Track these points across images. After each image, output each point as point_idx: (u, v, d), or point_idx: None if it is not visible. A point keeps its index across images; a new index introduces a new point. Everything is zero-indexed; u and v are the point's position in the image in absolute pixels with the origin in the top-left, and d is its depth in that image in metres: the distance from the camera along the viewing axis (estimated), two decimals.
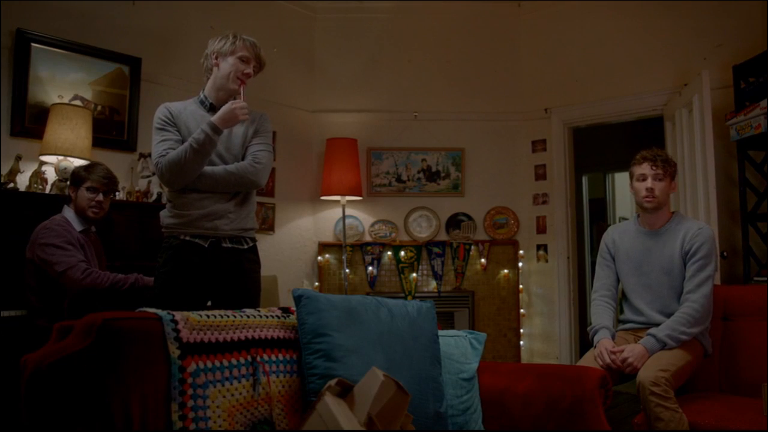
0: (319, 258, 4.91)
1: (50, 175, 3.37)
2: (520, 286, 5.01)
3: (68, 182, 2.97)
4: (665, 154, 2.79)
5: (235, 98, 2.46)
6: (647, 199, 2.74)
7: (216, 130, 2.34)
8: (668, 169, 2.74)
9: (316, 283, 4.90)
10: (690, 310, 2.60)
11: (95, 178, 2.90)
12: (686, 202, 3.95)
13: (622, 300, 2.96)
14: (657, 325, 2.65)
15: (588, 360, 2.70)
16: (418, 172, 5.14)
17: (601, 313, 2.83)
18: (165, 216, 2.42)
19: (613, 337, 2.73)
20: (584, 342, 4.74)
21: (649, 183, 2.73)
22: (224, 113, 2.36)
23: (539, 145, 5.12)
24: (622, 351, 2.55)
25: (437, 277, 4.95)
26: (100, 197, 2.93)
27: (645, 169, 2.74)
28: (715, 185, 3.56)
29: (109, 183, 2.97)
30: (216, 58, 2.44)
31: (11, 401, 2.19)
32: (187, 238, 2.37)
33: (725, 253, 3.60)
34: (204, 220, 2.38)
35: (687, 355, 2.56)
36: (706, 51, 4.22)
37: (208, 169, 2.37)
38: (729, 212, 3.93)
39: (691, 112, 3.86)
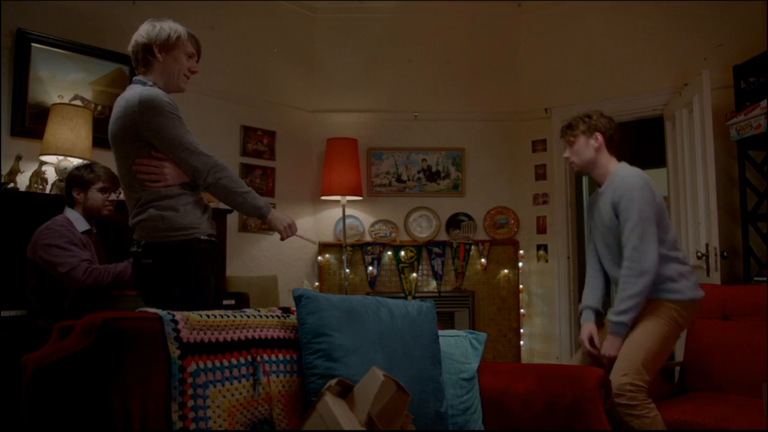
0: (320, 258, 4.91)
1: (50, 175, 3.37)
2: (521, 286, 5.01)
3: (68, 185, 2.96)
4: (573, 118, 2.76)
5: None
6: (571, 166, 2.86)
7: (262, 216, 2.29)
8: (575, 131, 2.71)
9: (316, 283, 4.90)
10: (625, 270, 2.48)
11: (105, 178, 2.96)
12: (686, 202, 3.95)
13: None
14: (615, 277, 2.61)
15: (577, 359, 2.70)
16: (419, 172, 5.14)
17: (587, 291, 2.79)
18: (178, 216, 2.15)
19: (598, 315, 2.69)
20: None
21: (565, 153, 2.78)
22: (282, 223, 2.33)
23: (539, 145, 5.12)
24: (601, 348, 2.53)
25: (437, 277, 4.95)
26: (114, 196, 2.99)
27: (564, 143, 2.80)
28: (715, 185, 3.56)
29: (116, 180, 3.01)
30: (159, 51, 2.24)
31: (12, 401, 2.19)
32: (205, 237, 2.23)
33: (725, 253, 3.60)
34: (209, 217, 2.30)
35: (654, 328, 2.46)
36: (707, 51, 4.22)
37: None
38: (729, 212, 3.93)
39: (692, 112, 3.86)
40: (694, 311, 2.59)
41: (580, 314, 2.72)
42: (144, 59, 2.25)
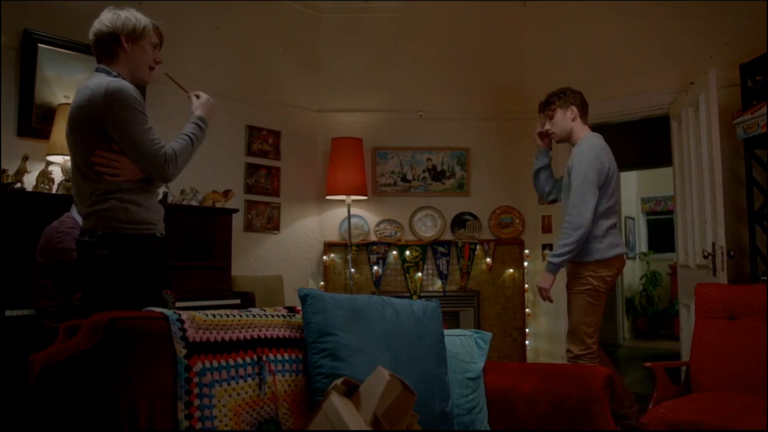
0: (325, 257, 4.91)
1: (57, 175, 3.39)
2: (526, 286, 5.00)
3: None
4: (549, 95, 3.28)
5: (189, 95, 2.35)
6: (552, 137, 3.36)
7: (206, 125, 2.29)
8: (553, 106, 3.24)
9: (322, 283, 4.90)
10: (565, 223, 3.05)
11: None
12: (693, 201, 3.94)
13: None
14: None
15: None
16: (423, 172, 5.14)
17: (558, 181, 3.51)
18: (141, 210, 2.12)
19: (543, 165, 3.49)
20: None
21: (546, 125, 3.31)
22: (210, 109, 2.31)
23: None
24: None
25: (442, 276, 4.94)
26: None
27: (543, 118, 3.32)
28: (721, 184, 3.54)
29: None
30: (126, 41, 2.17)
31: (19, 400, 2.20)
32: (159, 235, 2.20)
33: (732, 253, 3.59)
34: (162, 217, 2.26)
35: (576, 303, 3.07)
36: (712, 49, 4.20)
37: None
38: (736, 211, 3.91)
39: (698, 110, 3.84)
40: (609, 267, 3.07)
41: None
42: (109, 49, 2.17)
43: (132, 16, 2.19)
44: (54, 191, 3.32)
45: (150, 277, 2.16)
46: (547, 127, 3.30)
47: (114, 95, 2.03)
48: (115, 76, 2.13)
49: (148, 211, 2.15)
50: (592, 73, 4.83)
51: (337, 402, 1.57)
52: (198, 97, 2.36)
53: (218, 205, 4.07)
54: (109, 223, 2.08)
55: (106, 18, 2.17)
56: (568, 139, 3.29)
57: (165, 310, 1.64)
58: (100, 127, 2.07)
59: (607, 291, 3.10)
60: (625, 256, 3.20)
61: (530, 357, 4.98)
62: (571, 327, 3.12)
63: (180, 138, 2.20)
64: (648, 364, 2.91)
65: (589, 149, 3.08)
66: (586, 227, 2.98)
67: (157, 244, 2.18)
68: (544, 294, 3.15)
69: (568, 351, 3.09)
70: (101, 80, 2.08)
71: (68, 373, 1.40)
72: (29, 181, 3.29)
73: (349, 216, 4.77)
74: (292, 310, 1.98)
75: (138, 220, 2.11)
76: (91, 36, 2.18)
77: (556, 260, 3.05)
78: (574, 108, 3.22)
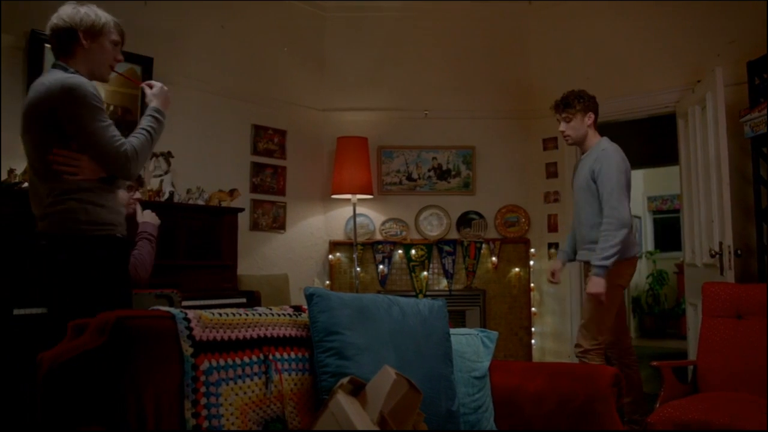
0: (330, 257, 4.92)
1: None
2: (532, 285, 5.00)
3: None
4: (568, 96, 3.26)
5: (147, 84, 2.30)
6: (565, 139, 3.37)
7: (164, 116, 2.24)
8: (573, 109, 3.23)
9: (327, 282, 4.91)
10: (606, 225, 3.02)
11: None
12: (700, 200, 3.92)
13: None
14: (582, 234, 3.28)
15: None
16: (429, 171, 5.13)
17: (568, 238, 3.59)
18: (104, 210, 2.08)
19: (570, 258, 3.53)
20: None
21: (561, 127, 3.31)
22: (166, 99, 2.25)
23: (550, 143, 5.10)
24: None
25: (448, 275, 4.94)
26: (138, 194, 3.00)
27: (558, 117, 3.31)
28: (728, 183, 3.52)
29: (141, 179, 3.06)
30: (85, 38, 2.09)
31: (27, 399, 2.21)
32: (120, 236, 2.15)
33: (739, 251, 3.57)
34: (125, 218, 2.23)
35: (594, 301, 3.03)
36: (719, 47, 4.18)
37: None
38: (743, 209, 3.89)
39: (705, 109, 3.82)
40: (628, 265, 3.18)
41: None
42: (67, 45, 2.10)
43: (92, 12, 2.12)
44: None
45: (115, 279, 2.11)
46: (562, 128, 3.31)
47: (72, 92, 1.98)
48: (72, 73, 2.07)
49: (109, 212, 2.10)
50: (598, 71, 4.82)
51: (343, 401, 1.57)
52: (151, 87, 2.30)
53: (224, 204, 4.08)
54: (67, 224, 2.02)
55: (65, 12, 2.10)
56: (580, 144, 3.34)
57: (171, 309, 1.64)
58: (57, 125, 2.00)
59: (618, 286, 3.15)
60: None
61: (536, 356, 4.97)
62: (585, 322, 3.14)
63: (138, 133, 2.14)
64: (655, 363, 2.91)
65: (614, 152, 3.15)
66: (629, 226, 3.03)
67: (118, 245, 2.13)
68: (600, 298, 3.01)
69: (578, 345, 3.13)
70: (58, 76, 2.02)
71: (76, 372, 1.41)
72: None
73: (355, 215, 4.77)
74: (298, 309, 1.99)
75: (98, 221, 2.06)
76: (47, 30, 2.12)
77: (606, 263, 2.99)
78: (592, 114, 3.27)
